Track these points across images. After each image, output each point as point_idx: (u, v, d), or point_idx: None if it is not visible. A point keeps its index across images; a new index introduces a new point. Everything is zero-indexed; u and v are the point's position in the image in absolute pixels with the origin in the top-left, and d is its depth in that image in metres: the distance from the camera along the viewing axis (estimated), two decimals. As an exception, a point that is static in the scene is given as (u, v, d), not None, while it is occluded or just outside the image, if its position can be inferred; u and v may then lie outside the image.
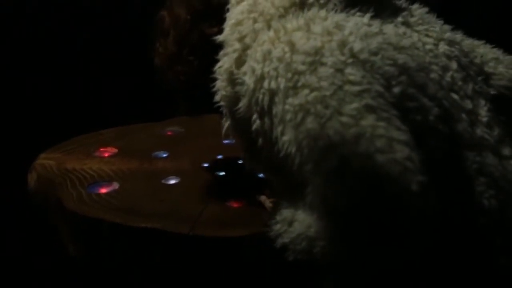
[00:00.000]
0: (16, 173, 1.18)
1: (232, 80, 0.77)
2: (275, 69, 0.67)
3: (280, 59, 0.67)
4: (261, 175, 1.12)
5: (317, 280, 0.74)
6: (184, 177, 1.10)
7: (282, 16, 0.74)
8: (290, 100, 0.64)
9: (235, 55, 0.76)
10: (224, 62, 0.78)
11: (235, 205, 0.99)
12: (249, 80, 0.72)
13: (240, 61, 0.76)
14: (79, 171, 1.10)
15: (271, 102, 0.68)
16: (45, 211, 1.06)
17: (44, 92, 1.75)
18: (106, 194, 1.01)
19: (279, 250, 0.75)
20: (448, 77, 0.75)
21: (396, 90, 0.65)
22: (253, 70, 0.71)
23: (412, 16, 0.81)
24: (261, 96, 0.70)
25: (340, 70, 0.63)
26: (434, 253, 0.65)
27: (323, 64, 0.64)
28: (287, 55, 0.67)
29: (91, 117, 1.60)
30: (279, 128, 0.66)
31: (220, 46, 0.81)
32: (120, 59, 1.74)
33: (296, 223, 0.73)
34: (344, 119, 0.59)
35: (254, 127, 0.74)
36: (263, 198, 0.95)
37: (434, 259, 0.66)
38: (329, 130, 0.58)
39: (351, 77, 0.62)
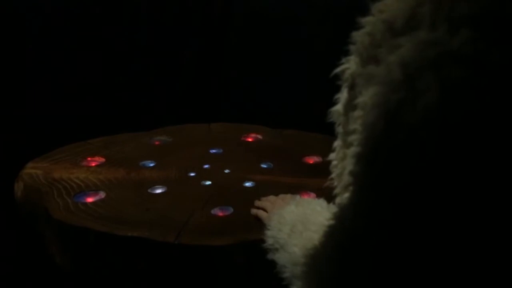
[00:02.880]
0: (3, 183, 1.18)
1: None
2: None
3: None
4: (247, 184, 1.14)
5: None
6: (171, 186, 1.11)
7: None
8: None
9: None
10: None
11: (220, 214, 1.00)
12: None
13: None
14: (66, 180, 1.11)
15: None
16: (32, 221, 1.06)
17: (33, 102, 1.75)
18: (92, 203, 1.02)
19: (268, 263, 0.76)
20: None
21: None
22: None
23: None
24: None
25: None
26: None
27: None
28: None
29: (79, 126, 1.60)
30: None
31: None
32: (111, 67, 1.75)
33: (285, 252, 0.72)
34: None
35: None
36: (257, 211, 0.95)
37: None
38: None
39: None
